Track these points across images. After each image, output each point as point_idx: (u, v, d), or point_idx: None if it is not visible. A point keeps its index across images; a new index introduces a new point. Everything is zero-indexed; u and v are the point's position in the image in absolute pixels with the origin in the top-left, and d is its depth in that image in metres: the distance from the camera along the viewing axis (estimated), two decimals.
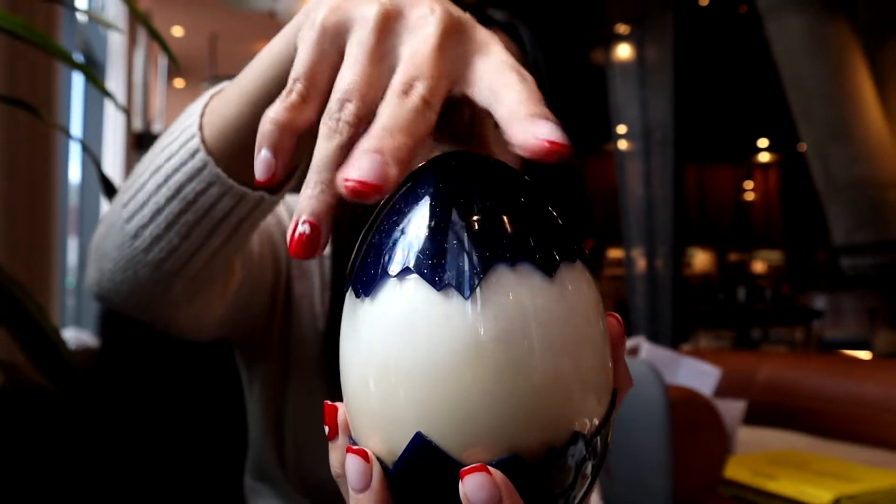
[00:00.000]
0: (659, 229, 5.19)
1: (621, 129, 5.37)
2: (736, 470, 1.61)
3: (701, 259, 12.32)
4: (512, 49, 0.70)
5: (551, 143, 0.26)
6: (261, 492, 0.77)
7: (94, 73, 0.78)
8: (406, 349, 0.27)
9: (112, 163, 4.56)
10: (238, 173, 0.48)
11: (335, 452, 0.30)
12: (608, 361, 0.29)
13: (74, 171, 4.27)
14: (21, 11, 1.06)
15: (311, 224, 0.27)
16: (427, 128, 0.28)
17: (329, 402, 0.31)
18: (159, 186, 0.49)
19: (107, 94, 0.78)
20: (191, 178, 0.48)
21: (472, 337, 0.26)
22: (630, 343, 2.21)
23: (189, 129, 0.48)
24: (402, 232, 0.28)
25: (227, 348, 0.78)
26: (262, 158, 0.29)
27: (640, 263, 5.33)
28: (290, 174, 0.52)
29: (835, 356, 2.99)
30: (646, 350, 2.08)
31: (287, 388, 0.72)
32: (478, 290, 0.26)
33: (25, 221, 1.16)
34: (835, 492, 1.41)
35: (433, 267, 0.27)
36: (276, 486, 0.75)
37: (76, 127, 3.85)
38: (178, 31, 6.55)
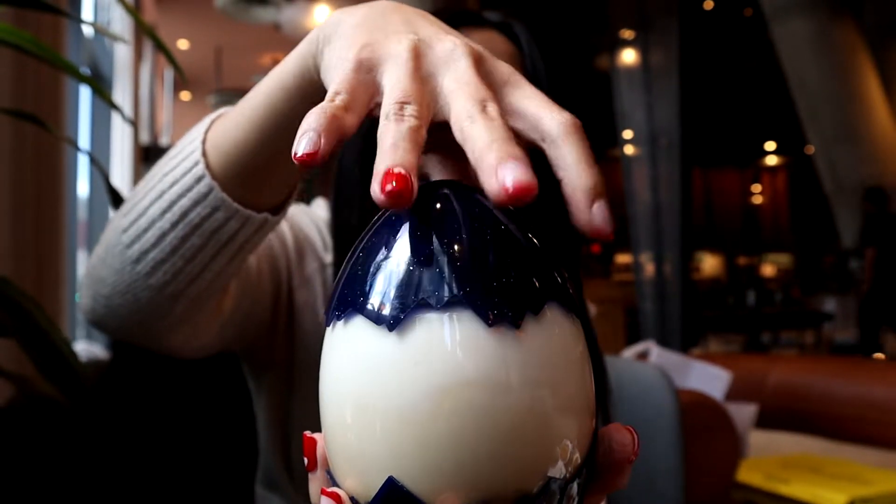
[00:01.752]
0: (667, 234, 5.18)
1: (627, 134, 5.37)
2: (748, 474, 1.60)
3: (710, 263, 12.28)
4: (508, 49, 0.70)
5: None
6: (270, 500, 0.77)
7: (101, 87, 0.78)
8: (380, 389, 0.26)
9: (120, 176, 4.59)
10: (242, 196, 0.48)
11: (314, 484, 0.31)
12: (590, 403, 0.28)
13: (83, 186, 4.29)
14: (27, 26, 1.07)
15: (401, 175, 0.26)
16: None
17: (308, 434, 0.31)
18: (164, 212, 0.49)
19: (114, 106, 0.79)
20: (196, 203, 0.48)
21: (444, 380, 0.26)
22: (640, 347, 2.21)
23: (193, 154, 0.48)
24: (377, 268, 0.28)
25: (235, 358, 0.78)
26: (307, 137, 0.28)
27: (649, 268, 5.31)
28: (291, 193, 0.52)
29: (846, 359, 2.97)
30: (656, 354, 2.07)
31: (292, 397, 0.72)
32: (452, 331, 0.26)
33: (34, 234, 1.17)
34: (849, 494, 1.40)
35: (408, 307, 0.26)
36: (285, 495, 0.75)
37: (84, 140, 3.87)
38: (183, 45, 6.59)
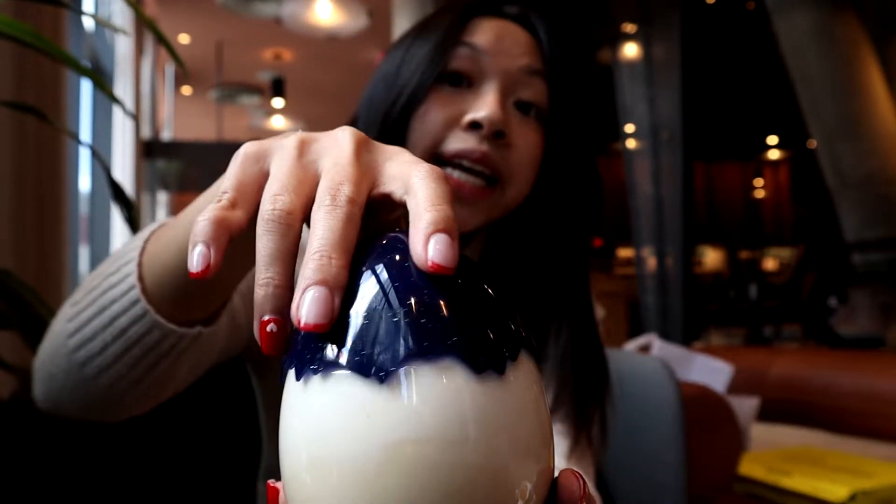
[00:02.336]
0: (668, 228, 5.17)
1: (629, 127, 5.36)
2: (750, 466, 1.60)
3: (711, 257, 12.27)
4: (526, 40, 0.70)
5: (434, 265, 0.27)
6: None
7: (102, 81, 0.78)
8: (333, 441, 0.26)
9: (121, 170, 4.59)
10: (175, 314, 0.51)
11: None
12: (548, 447, 0.28)
13: (84, 180, 4.29)
14: (27, 19, 1.06)
15: (275, 322, 0.29)
16: (356, 228, 0.29)
17: (271, 484, 0.32)
18: (105, 326, 0.51)
19: (115, 100, 0.78)
20: (133, 323, 0.50)
21: (397, 435, 0.26)
22: (642, 340, 2.20)
23: (129, 277, 0.51)
24: (341, 319, 0.28)
25: (239, 356, 0.78)
26: (197, 251, 0.30)
27: (651, 262, 5.30)
28: (224, 303, 0.54)
29: (848, 352, 2.97)
30: (658, 347, 2.07)
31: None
32: (407, 386, 0.26)
33: (35, 228, 1.17)
34: (850, 487, 1.40)
35: (361, 360, 0.26)
36: None
37: (85, 134, 3.87)
38: (184, 39, 6.58)
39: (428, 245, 0.27)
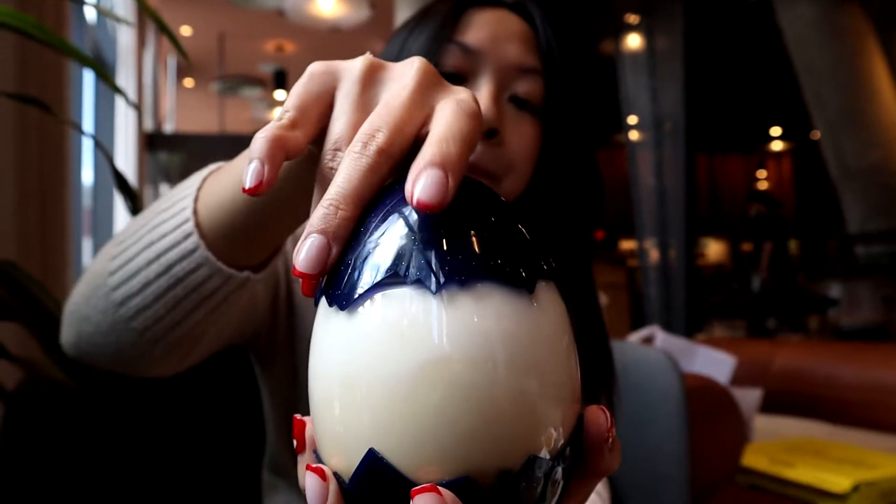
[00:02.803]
0: (671, 220, 5.16)
1: (632, 119, 5.34)
2: (753, 458, 1.60)
3: (714, 249, 12.25)
4: (522, 28, 0.70)
5: (420, 202, 0.26)
6: (276, 486, 0.77)
7: (105, 71, 0.78)
8: (364, 363, 0.27)
9: (124, 162, 4.59)
10: (228, 255, 0.50)
11: (301, 465, 0.31)
12: (575, 385, 0.29)
13: (87, 173, 4.29)
14: (30, 9, 1.06)
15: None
16: (381, 177, 0.29)
17: (298, 417, 0.32)
18: (150, 262, 0.50)
19: (118, 90, 0.78)
20: (182, 258, 0.49)
21: (428, 354, 0.26)
22: (645, 332, 2.20)
23: (184, 211, 0.50)
24: (372, 247, 0.28)
25: (243, 346, 0.79)
26: (252, 167, 0.30)
27: (653, 254, 5.30)
28: (275, 252, 0.53)
29: (851, 343, 2.97)
30: (660, 339, 2.07)
31: (296, 385, 0.72)
32: (439, 307, 0.26)
33: (39, 220, 1.17)
34: (853, 479, 1.40)
35: (393, 283, 0.27)
36: (291, 481, 0.75)
37: (88, 126, 3.86)
38: (186, 31, 6.56)
39: (417, 182, 0.27)
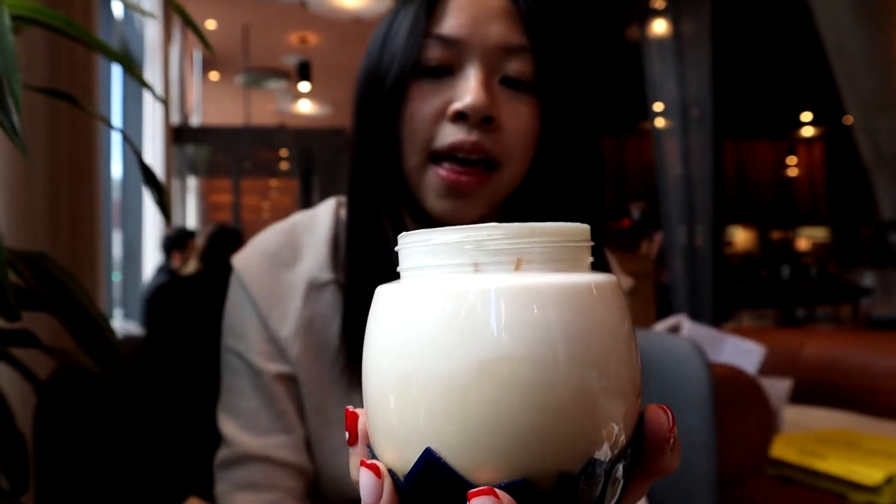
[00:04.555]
0: (698, 207, 5.10)
1: (658, 106, 5.28)
2: (783, 449, 1.58)
3: (742, 237, 12.09)
4: (505, 8, 0.68)
5: None
6: None
7: (133, 65, 0.79)
8: (423, 359, 0.26)
9: (151, 155, 4.64)
10: None
11: (354, 458, 0.31)
12: (636, 383, 0.28)
13: (116, 167, 4.35)
14: (59, 6, 1.08)
15: None
16: None
17: (350, 409, 0.32)
18: None
19: (145, 84, 0.79)
20: None
21: (487, 352, 0.26)
22: (671, 321, 2.18)
23: None
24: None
25: None
26: None
27: (680, 242, 5.24)
28: None
29: (883, 333, 2.91)
30: (688, 328, 2.05)
31: (303, 382, 0.74)
32: (497, 299, 0.26)
33: (69, 212, 1.19)
34: (886, 471, 1.38)
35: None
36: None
37: (116, 120, 3.91)
38: (211, 25, 6.60)
39: None
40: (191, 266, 3.62)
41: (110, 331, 0.67)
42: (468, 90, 0.64)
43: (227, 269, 0.82)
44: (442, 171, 0.66)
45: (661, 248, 5.19)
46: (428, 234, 0.28)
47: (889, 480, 1.37)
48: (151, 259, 4.92)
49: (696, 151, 5.07)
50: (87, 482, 0.98)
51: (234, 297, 0.77)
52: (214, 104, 8.85)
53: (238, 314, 0.76)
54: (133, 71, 0.76)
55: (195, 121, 7.50)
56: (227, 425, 0.74)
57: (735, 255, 11.09)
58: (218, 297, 0.82)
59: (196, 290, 1.41)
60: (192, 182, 7.90)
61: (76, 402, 0.95)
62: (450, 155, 0.66)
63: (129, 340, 1.79)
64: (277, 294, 0.74)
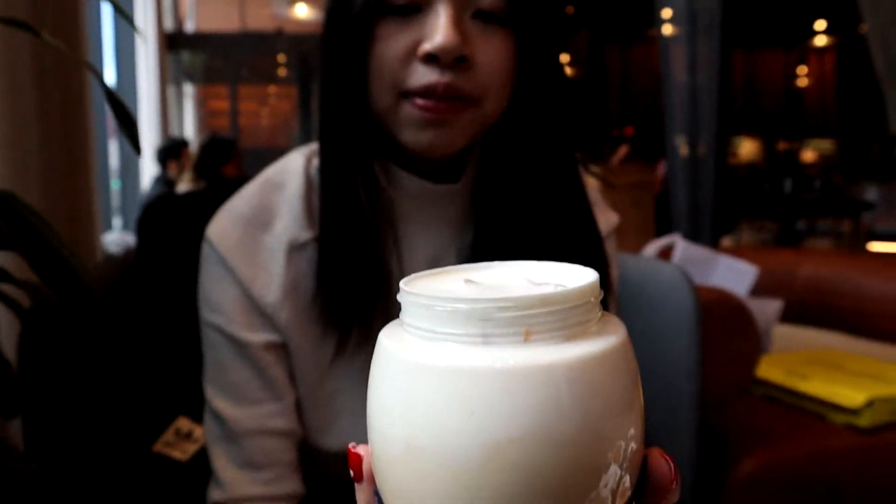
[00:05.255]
0: (703, 118, 5.00)
1: (666, 13, 5.09)
2: (769, 369, 1.60)
3: (748, 148, 11.95)
4: None
5: None
6: None
7: None
8: (434, 438, 0.27)
9: (145, 64, 4.54)
10: None
11: (361, 495, 0.32)
12: (642, 430, 0.29)
13: (109, 75, 4.25)
14: None
15: None
16: None
17: (353, 449, 0.32)
18: None
19: None
20: None
21: (500, 435, 0.26)
22: (665, 241, 2.18)
23: None
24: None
25: None
26: None
27: (683, 152, 5.17)
28: None
29: (879, 256, 2.91)
30: (681, 248, 2.04)
31: (293, 347, 0.74)
32: (511, 384, 0.26)
33: (60, 122, 1.18)
34: (868, 393, 1.40)
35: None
36: None
37: (107, 25, 3.79)
38: None
39: None
40: (186, 177, 3.60)
41: (81, 268, 0.66)
42: (438, 29, 0.61)
43: (221, 182, 0.80)
44: (419, 102, 0.64)
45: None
46: (434, 299, 0.28)
47: (870, 404, 1.39)
48: (150, 168, 4.89)
49: (704, 60, 4.93)
50: (75, 405, 1.00)
51: (209, 270, 0.75)
52: (209, 9, 8.58)
53: (215, 287, 0.74)
54: None
55: (190, 26, 7.29)
56: (217, 400, 0.74)
57: (740, 166, 10.99)
58: (211, 214, 0.79)
59: (187, 209, 1.40)
60: (188, 89, 7.76)
61: (60, 328, 0.96)
62: (423, 95, 0.63)
63: (129, 252, 1.79)
64: (258, 259, 0.72)
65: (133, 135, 0.71)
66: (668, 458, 0.30)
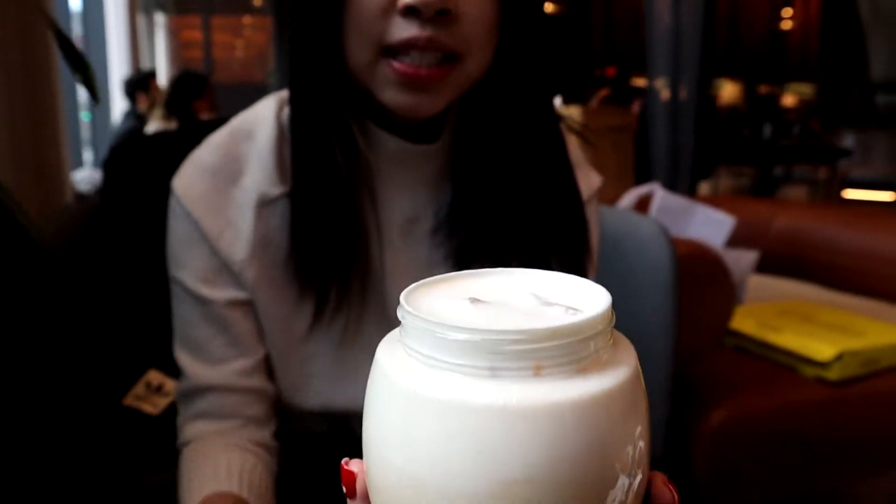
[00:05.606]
0: (685, 59, 4.94)
1: None
2: (742, 321, 1.62)
3: (728, 91, 11.89)
4: None
5: None
6: None
7: None
8: (440, 474, 0.26)
9: None
10: None
11: None
12: (647, 458, 0.28)
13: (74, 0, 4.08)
14: None
15: None
16: None
17: (346, 467, 0.31)
18: None
19: None
20: None
21: (509, 475, 0.25)
22: (644, 189, 2.16)
23: None
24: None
25: None
26: None
27: (664, 94, 5.13)
28: None
29: (855, 208, 2.93)
30: (660, 197, 2.03)
31: (261, 305, 0.71)
32: (522, 424, 0.25)
33: (20, 51, 1.12)
34: (838, 347, 1.42)
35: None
36: None
37: None
38: None
39: None
40: (157, 113, 3.49)
41: (29, 223, 0.63)
42: None
43: (193, 123, 0.76)
44: (398, 65, 0.60)
45: (642, 104, 5.10)
46: (439, 326, 0.26)
47: (839, 357, 1.41)
48: (121, 100, 4.75)
49: (688, 1, 4.84)
50: (41, 357, 0.98)
51: (175, 226, 0.71)
52: None
53: (180, 242, 0.71)
54: None
55: None
56: (182, 357, 0.72)
57: (720, 110, 10.95)
58: (181, 158, 0.76)
59: (156, 152, 1.35)
60: (159, 19, 7.49)
61: (21, 277, 0.92)
62: (404, 50, 0.60)
63: (82, 200, 1.74)
64: (226, 214, 0.69)
65: (88, 80, 0.66)
66: (671, 486, 0.30)
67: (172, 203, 0.72)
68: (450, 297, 0.30)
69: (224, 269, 0.69)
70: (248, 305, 0.71)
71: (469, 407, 0.25)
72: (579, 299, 0.30)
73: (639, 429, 0.27)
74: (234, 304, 0.70)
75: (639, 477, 0.28)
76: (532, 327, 0.26)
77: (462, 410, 0.25)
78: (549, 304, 0.29)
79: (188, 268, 0.70)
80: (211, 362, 0.71)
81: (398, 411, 0.27)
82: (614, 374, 0.27)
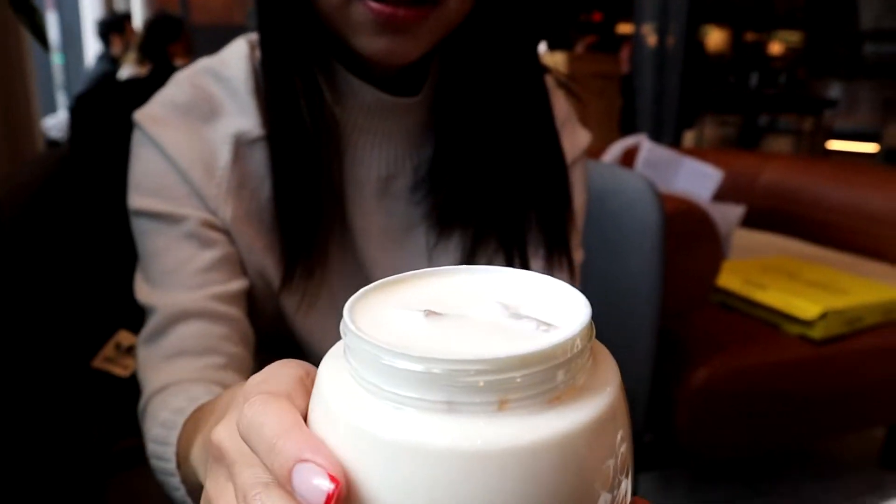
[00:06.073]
0: (673, 4, 4.85)
1: None
2: (727, 278, 1.61)
3: (715, 38, 11.75)
4: None
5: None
6: None
7: None
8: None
9: None
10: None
11: None
12: (630, 489, 0.25)
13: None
14: None
15: None
16: None
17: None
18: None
19: None
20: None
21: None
22: (631, 141, 2.12)
23: (173, 478, 0.51)
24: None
25: None
26: None
27: (651, 41, 5.05)
28: None
29: (843, 164, 2.90)
30: (647, 149, 1.99)
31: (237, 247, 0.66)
32: (485, 471, 0.21)
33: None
34: (823, 305, 1.41)
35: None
36: None
37: None
38: None
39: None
40: (131, 57, 3.37)
41: None
42: None
43: (166, 67, 0.71)
44: (374, 4, 0.55)
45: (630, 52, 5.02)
46: (386, 352, 0.22)
47: (823, 315, 1.40)
48: (94, 42, 4.59)
49: None
50: (3, 317, 0.94)
51: (141, 154, 0.65)
52: None
53: (146, 168, 0.64)
54: None
55: None
56: (149, 294, 0.63)
57: (708, 57, 10.83)
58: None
59: (125, 100, 1.29)
60: None
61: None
62: None
63: (53, 148, 1.67)
64: (198, 149, 0.63)
65: (34, 25, 0.61)
66: None
67: (137, 135, 0.66)
68: (402, 306, 0.26)
69: (196, 196, 0.63)
70: (225, 234, 0.64)
71: (421, 449, 0.21)
72: (554, 310, 0.25)
73: (622, 454, 0.24)
74: (209, 225, 0.63)
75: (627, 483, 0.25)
76: (495, 355, 0.21)
77: (413, 452, 0.21)
78: (517, 316, 0.25)
79: (157, 191, 0.63)
80: (186, 287, 0.62)
81: (340, 445, 0.23)
82: (593, 403, 0.23)
